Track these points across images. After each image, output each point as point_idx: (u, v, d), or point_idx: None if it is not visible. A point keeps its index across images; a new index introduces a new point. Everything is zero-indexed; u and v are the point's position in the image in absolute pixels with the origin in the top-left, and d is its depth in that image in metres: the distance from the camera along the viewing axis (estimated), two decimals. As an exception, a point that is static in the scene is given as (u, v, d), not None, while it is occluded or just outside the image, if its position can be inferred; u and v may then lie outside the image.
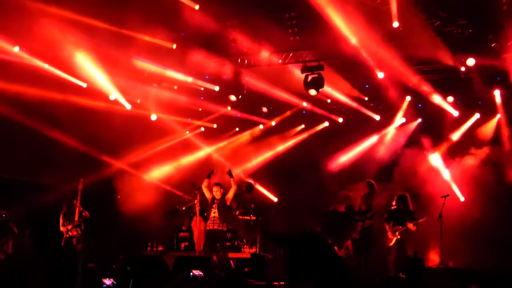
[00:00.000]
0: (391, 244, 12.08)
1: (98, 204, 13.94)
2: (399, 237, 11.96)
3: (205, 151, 16.69)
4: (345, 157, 15.69)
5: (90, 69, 12.77)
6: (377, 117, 15.09)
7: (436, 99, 13.92)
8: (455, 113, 14.14)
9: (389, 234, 12.21)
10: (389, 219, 12.31)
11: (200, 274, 7.30)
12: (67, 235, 12.02)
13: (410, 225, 11.84)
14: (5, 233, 12.46)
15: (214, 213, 12.22)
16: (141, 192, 15.27)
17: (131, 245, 14.31)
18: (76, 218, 12.03)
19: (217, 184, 12.56)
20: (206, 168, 15.22)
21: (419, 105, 14.64)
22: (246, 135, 16.74)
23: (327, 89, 14.33)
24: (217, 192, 12.38)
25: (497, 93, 13.55)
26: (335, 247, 13.49)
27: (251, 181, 14.93)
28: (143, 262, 9.83)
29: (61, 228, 12.11)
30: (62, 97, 12.99)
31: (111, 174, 15.27)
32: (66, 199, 12.43)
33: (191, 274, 7.12)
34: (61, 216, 12.23)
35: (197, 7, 11.23)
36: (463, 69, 12.36)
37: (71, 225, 11.96)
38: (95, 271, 10.23)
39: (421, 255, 12.06)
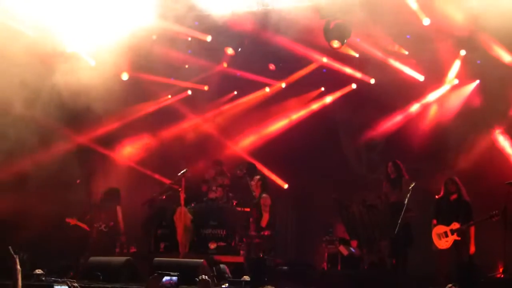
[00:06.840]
0: (447, 246, 10.76)
1: (50, 188, 13.17)
2: (458, 238, 10.62)
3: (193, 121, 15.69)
4: (378, 131, 14.30)
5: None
6: (421, 78, 13.46)
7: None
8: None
9: (434, 233, 10.87)
10: (437, 212, 11.03)
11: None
12: None
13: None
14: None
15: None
16: (108, 175, 14.36)
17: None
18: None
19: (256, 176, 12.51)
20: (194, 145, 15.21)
21: (478, 62, 12.96)
22: (247, 101, 15.52)
23: (355, 39, 12.97)
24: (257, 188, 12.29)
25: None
26: (363, 250, 13.06)
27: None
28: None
29: None
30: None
31: (69, 151, 14.01)
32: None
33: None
34: None
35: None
36: None
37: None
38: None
39: (479, 260, 10.85)
